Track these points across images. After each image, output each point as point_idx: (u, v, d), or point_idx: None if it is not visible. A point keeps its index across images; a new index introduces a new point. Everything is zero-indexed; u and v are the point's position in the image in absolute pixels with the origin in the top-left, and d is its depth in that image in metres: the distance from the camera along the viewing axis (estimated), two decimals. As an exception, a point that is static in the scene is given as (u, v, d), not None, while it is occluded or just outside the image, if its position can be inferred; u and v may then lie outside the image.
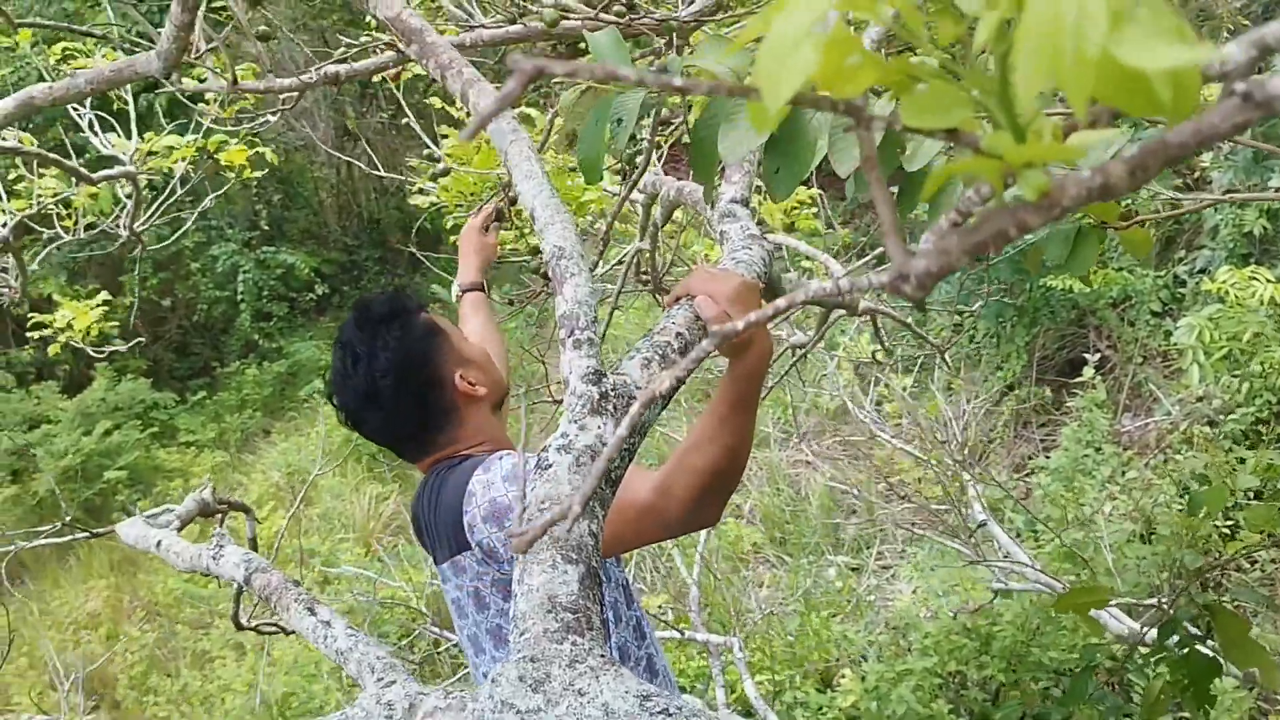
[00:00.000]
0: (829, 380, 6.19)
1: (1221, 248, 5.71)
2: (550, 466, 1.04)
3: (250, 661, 5.53)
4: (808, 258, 3.74)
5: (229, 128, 3.08)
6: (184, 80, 2.25)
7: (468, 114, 1.38)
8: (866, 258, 3.77)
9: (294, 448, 8.61)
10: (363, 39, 2.36)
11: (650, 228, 3.22)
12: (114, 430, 8.87)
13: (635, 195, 3.34)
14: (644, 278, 3.41)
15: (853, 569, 5.29)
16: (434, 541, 1.53)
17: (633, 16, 1.67)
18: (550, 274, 1.20)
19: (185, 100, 2.63)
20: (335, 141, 10.22)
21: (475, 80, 1.23)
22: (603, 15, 1.76)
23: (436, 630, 4.28)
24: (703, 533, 4.39)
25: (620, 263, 3.43)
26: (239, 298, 10.45)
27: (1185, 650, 1.75)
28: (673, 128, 2.77)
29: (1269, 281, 5.22)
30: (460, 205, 3.08)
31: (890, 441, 5.10)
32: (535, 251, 3.16)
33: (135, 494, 8.08)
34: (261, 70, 2.06)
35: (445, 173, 2.43)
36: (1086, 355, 5.93)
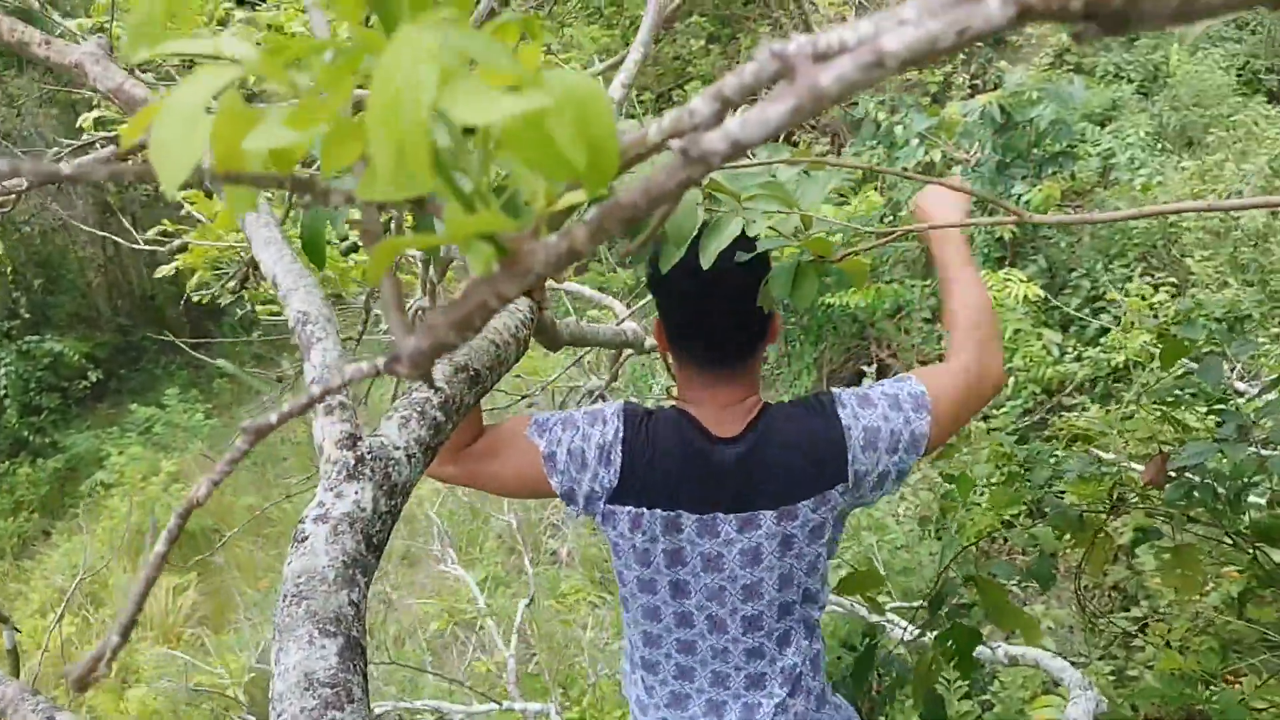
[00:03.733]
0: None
1: (977, 254, 6.11)
2: (307, 539, 0.96)
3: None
4: (598, 305, 3.76)
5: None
6: None
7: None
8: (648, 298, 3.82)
9: (78, 547, 7.99)
10: (84, 138, 2.25)
11: (428, 283, 3.12)
12: None
13: (414, 252, 3.26)
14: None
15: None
16: (767, 485, 1.43)
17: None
18: (297, 340, 1.14)
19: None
20: (98, 219, 9.64)
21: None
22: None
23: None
24: (521, 601, 4.29)
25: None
26: (2, 393, 9.69)
27: (950, 623, 1.89)
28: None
29: (1021, 282, 5.64)
30: (215, 270, 2.92)
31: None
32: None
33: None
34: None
35: (183, 248, 2.30)
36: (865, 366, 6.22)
